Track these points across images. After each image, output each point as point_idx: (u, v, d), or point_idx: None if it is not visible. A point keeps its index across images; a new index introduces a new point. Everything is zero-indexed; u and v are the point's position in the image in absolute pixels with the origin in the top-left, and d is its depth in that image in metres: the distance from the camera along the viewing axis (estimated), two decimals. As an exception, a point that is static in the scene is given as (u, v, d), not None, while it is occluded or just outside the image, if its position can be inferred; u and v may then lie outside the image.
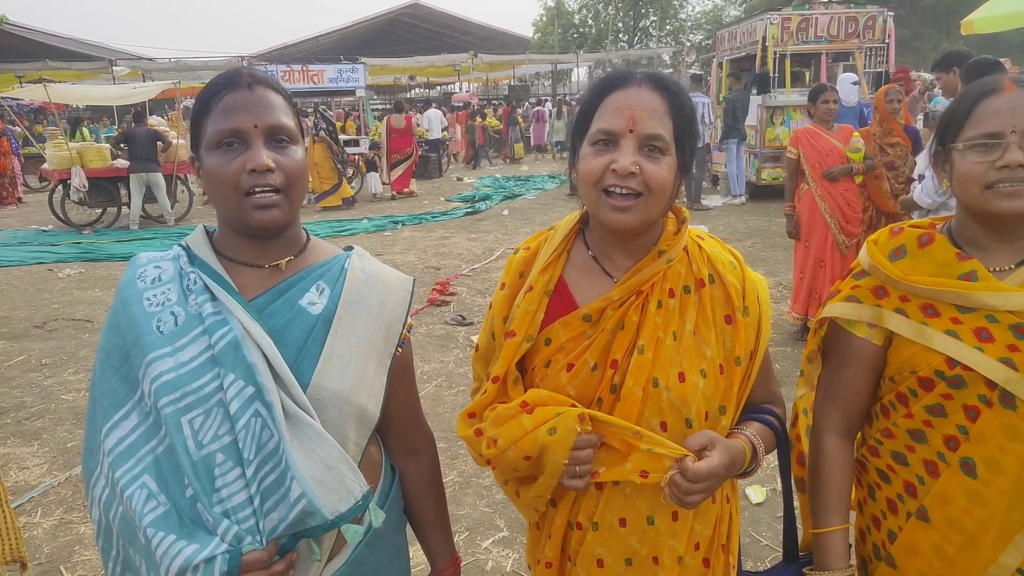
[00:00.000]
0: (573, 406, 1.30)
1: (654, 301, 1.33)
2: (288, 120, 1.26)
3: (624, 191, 1.25)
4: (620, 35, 39.20)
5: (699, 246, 1.40)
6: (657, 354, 1.31)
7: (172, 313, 1.22)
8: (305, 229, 1.39)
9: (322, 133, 12.78)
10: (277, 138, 1.24)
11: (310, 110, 14.63)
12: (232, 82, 1.24)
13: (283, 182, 1.22)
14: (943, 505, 1.33)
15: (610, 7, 35.19)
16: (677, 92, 1.30)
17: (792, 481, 1.53)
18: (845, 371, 1.46)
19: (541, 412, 1.28)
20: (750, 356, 1.38)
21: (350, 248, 1.41)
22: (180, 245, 1.33)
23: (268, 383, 1.16)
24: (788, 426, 1.65)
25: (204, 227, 1.36)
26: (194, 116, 1.28)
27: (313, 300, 1.28)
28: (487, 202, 13.49)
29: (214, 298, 1.23)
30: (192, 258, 1.29)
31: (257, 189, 1.20)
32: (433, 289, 7.37)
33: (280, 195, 1.22)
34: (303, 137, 1.31)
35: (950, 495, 1.32)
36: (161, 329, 1.20)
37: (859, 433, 1.53)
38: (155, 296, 1.24)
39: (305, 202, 13.80)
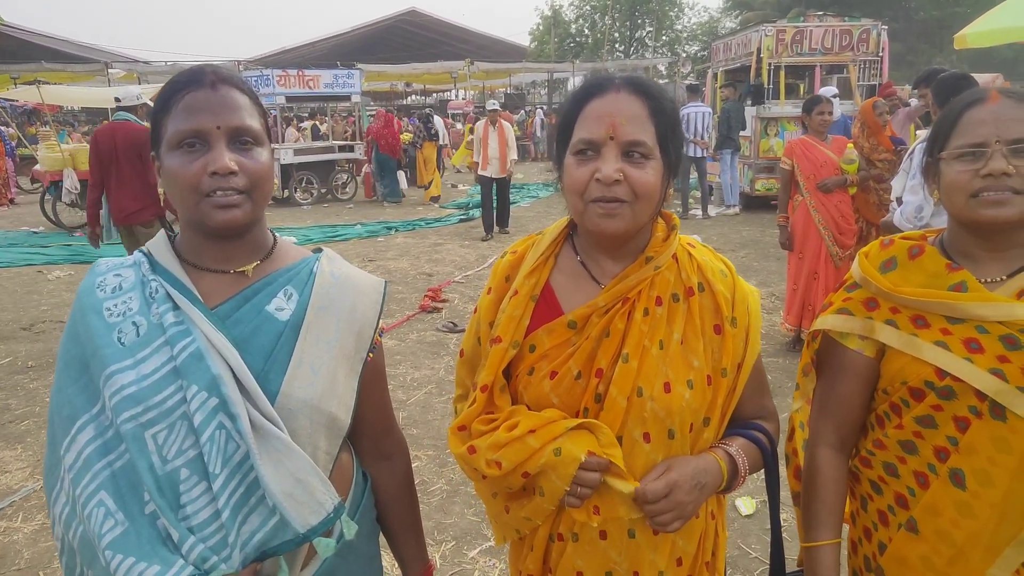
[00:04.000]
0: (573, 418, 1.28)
1: (640, 308, 1.30)
2: (253, 121, 1.22)
3: (610, 198, 1.23)
4: (616, 45, 39.35)
5: (689, 254, 1.38)
6: (642, 363, 1.28)
7: (134, 323, 1.17)
8: (273, 232, 1.35)
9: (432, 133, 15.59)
10: (241, 140, 1.20)
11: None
12: (195, 80, 1.20)
13: (246, 184, 1.18)
14: (932, 517, 1.32)
15: (607, 17, 35.32)
16: (657, 95, 1.27)
17: (780, 497, 1.51)
18: (838, 384, 1.45)
19: (547, 430, 1.26)
20: (737, 368, 1.35)
21: (319, 250, 1.38)
22: (141, 251, 1.28)
23: (233, 394, 1.12)
24: (785, 440, 1.63)
25: (165, 232, 1.32)
26: (154, 113, 1.23)
27: (281, 306, 1.24)
28: (480, 209, 13.47)
29: (176, 307, 1.18)
30: (154, 265, 1.24)
31: (218, 191, 1.16)
32: (425, 295, 7.35)
33: (242, 196, 1.18)
34: (269, 138, 1.27)
35: (939, 507, 1.31)
36: (122, 340, 1.16)
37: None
38: (116, 306, 1.19)
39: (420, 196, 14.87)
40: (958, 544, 1.30)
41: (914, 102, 6.96)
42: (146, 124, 5.85)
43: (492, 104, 11.65)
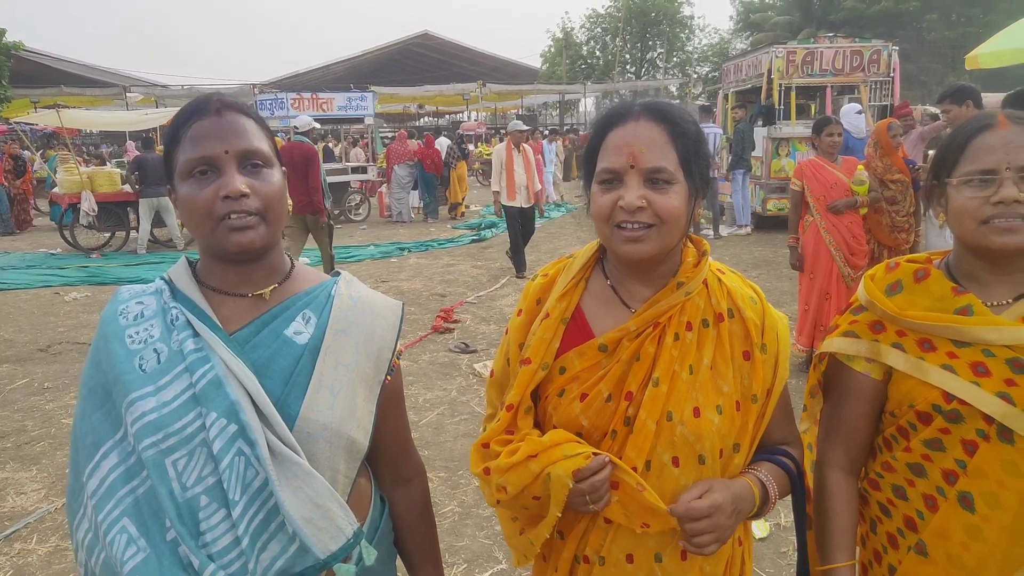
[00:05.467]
0: (579, 443, 1.28)
1: (671, 333, 1.31)
2: (261, 144, 1.23)
3: (635, 225, 1.25)
4: (627, 66, 39.57)
5: (719, 280, 1.39)
6: (672, 388, 1.29)
7: (155, 350, 1.19)
8: (290, 256, 1.37)
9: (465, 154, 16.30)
10: (251, 163, 1.21)
11: (449, 142, 16.96)
12: (200, 109, 1.22)
13: (259, 206, 1.20)
14: (942, 540, 1.32)
15: (618, 39, 35.55)
16: (678, 120, 1.28)
17: (806, 523, 1.50)
18: (845, 406, 1.45)
19: (546, 455, 1.27)
20: (767, 394, 1.35)
21: (338, 274, 1.39)
22: (162, 278, 1.30)
23: (252, 421, 1.13)
24: None
25: (187, 258, 1.33)
26: (166, 147, 1.26)
27: (299, 329, 1.25)
28: (493, 230, 13.53)
29: (196, 334, 1.19)
30: (175, 292, 1.26)
31: (232, 215, 1.18)
32: (437, 316, 7.37)
33: (256, 218, 1.19)
34: (279, 161, 1.28)
35: (948, 530, 1.31)
36: (143, 367, 1.17)
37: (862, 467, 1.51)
38: (137, 333, 1.21)
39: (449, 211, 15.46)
40: (968, 567, 1.29)
41: (929, 121, 6.93)
42: (313, 143, 8.66)
43: (517, 125, 9.64)
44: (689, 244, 1.39)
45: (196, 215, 1.19)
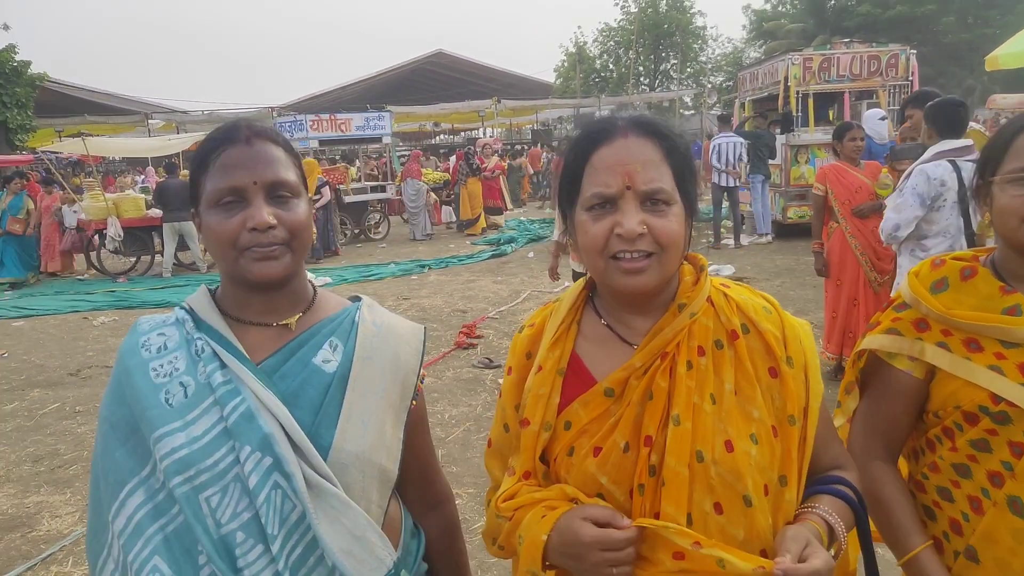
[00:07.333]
0: (574, 501, 1.17)
1: (682, 362, 1.17)
2: (289, 174, 1.22)
3: (635, 255, 1.13)
4: (641, 78, 39.61)
5: (725, 295, 1.25)
6: (696, 423, 1.14)
7: (181, 384, 1.16)
8: (312, 283, 1.34)
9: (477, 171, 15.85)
10: (278, 193, 1.20)
11: (458, 152, 17.11)
12: (230, 137, 1.21)
13: (285, 236, 1.19)
14: (990, 545, 1.30)
15: (631, 52, 35.58)
16: (669, 134, 1.18)
17: (874, 552, 1.34)
18: (885, 403, 1.44)
19: (545, 510, 1.16)
20: (803, 413, 1.20)
21: (357, 299, 1.37)
22: (183, 307, 1.28)
23: (287, 453, 1.11)
24: None
25: (207, 287, 1.31)
26: (192, 173, 1.24)
27: (327, 357, 1.23)
28: (512, 244, 13.56)
29: (223, 365, 1.17)
30: (198, 322, 1.23)
31: (256, 245, 1.17)
32: (460, 332, 7.38)
33: (282, 247, 1.18)
34: (305, 189, 1.27)
35: (996, 535, 1.29)
36: (170, 402, 1.15)
37: (907, 469, 1.51)
38: (162, 366, 1.18)
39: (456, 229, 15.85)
40: (1018, 573, 1.27)
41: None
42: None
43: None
44: (685, 262, 1.26)
45: (221, 244, 1.18)
